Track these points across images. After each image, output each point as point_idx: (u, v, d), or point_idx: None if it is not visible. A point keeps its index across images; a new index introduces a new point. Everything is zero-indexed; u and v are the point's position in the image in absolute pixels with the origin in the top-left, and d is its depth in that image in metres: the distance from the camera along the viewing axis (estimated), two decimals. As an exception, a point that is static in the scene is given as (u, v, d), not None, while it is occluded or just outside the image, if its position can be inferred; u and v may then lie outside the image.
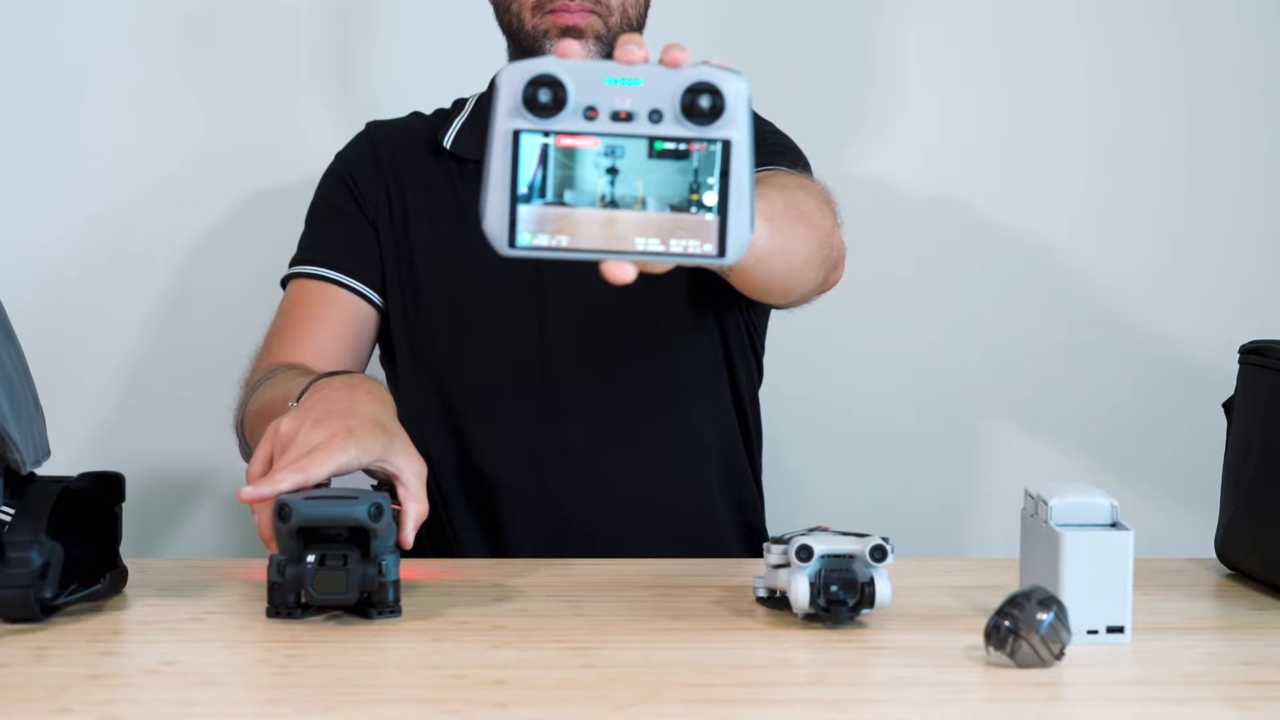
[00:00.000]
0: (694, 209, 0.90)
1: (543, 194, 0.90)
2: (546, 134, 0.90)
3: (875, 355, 1.98)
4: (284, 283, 1.61)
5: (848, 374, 1.98)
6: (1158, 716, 0.95)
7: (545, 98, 0.89)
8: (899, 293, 1.98)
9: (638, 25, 1.57)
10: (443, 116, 1.66)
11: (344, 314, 1.58)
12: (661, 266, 0.94)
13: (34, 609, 1.10)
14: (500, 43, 1.60)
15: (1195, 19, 1.98)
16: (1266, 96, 1.98)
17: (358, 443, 1.19)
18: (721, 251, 0.91)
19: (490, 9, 1.59)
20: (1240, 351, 1.36)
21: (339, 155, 1.67)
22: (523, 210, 0.90)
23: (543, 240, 0.90)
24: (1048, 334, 1.99)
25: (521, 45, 1.55)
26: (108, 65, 1.93)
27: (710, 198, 0.90)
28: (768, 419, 1.71)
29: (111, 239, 1.94)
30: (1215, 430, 1.41)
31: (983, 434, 2.00)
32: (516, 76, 0.89)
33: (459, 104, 1.67)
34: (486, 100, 1.64)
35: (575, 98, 0.89)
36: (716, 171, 0.90)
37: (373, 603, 1.13)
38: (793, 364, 1.88)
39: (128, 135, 1.93)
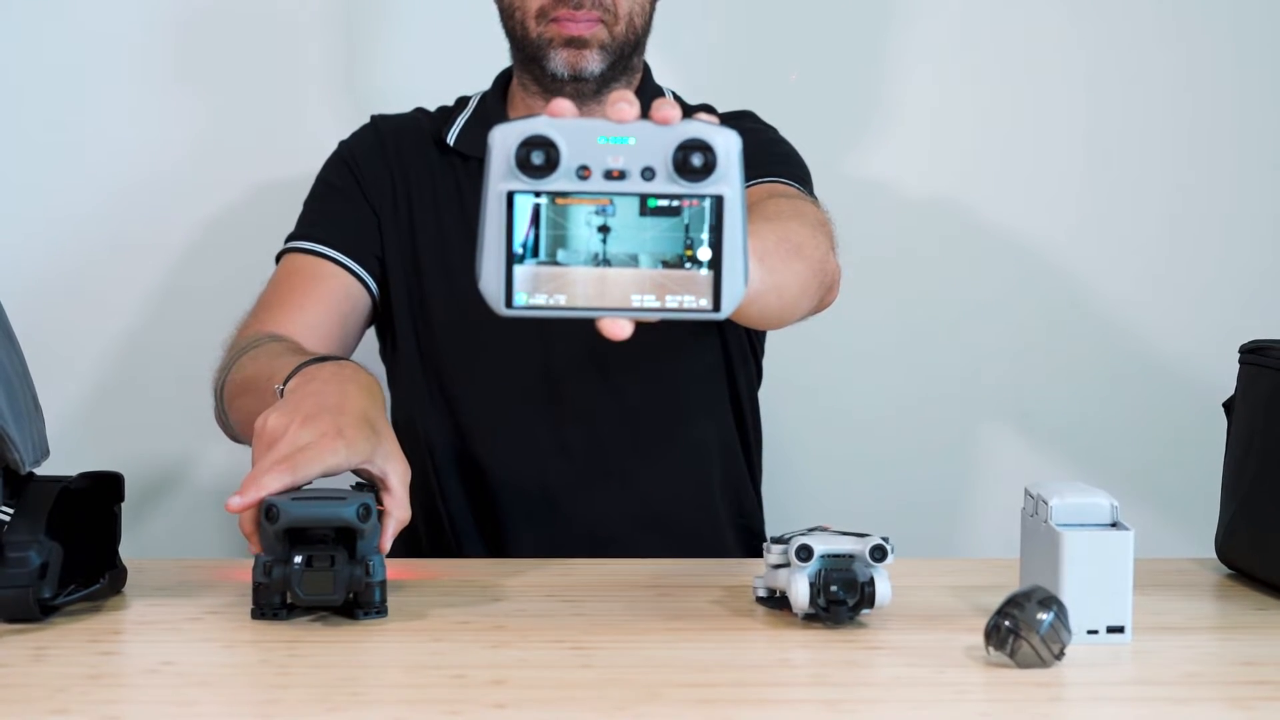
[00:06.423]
0: (688, 265, 0.91)
1: (536, 253, 0.90)
2: (540, 194, 0.90)
3: (875, 355, 1.98)
4: (278, 258, 1.59)
5: (848, 374, 1.98)
6: (1158, 716, 0.95)
7: (538, 159, 0.89)
8: (898, 293, 1.98)
9: (642, 32, 1.57)
10: (446, 113, 1.65)
11: (338, 291, 1.55)
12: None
13: (33, 609, 1.10)
14: (504, 41, 1.60)
15: (1192, 20, 1.97)
16: (1263, 96, 1.98)
17: (347, 444, 1.15)
18: (716, 306, 0.91)
19: (495, 8, 1.58)
20: (1240, 351, 1.36)
21: (343, 143, 1.66)
22: (518, 270, 0.90)
23: (539, 299, 0.91)
24: (1048, 334, 1.99)
25: (525, 51, 1.55)
26: (111, 61, 1.93)
27: (704, 253, 0.91)
28: (768, 419, 1.71)
29: (113, 237, 1.94)
30: (1215, 430, 1.41)
31: (983, 434, 2.00)
32: (509, 138, 0.90)
33: (462, 101, 1.66)
34: (490, 98, 1.64)
35: (568, 158, 0.90)
36: (709, 227, 0.90)
37: (359, 603, 1.12)
38: (793, 364, 1.88)
39: (130, 132, 1.93)
